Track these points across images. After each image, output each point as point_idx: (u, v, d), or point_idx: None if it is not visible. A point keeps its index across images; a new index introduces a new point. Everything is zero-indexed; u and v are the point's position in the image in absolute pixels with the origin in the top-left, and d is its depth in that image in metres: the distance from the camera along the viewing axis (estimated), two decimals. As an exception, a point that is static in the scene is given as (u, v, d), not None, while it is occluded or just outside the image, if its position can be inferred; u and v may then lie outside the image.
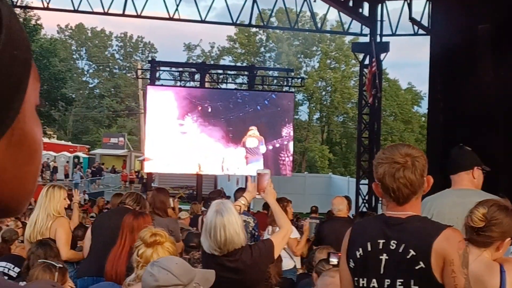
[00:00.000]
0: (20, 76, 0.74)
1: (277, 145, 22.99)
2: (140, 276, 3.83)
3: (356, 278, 3.10)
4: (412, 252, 2.93)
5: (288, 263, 8.19)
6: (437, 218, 3.99)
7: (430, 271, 2.90)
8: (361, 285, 3.07)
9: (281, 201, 8.59)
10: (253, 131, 22.54)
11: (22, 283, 4.24)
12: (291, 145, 23.66)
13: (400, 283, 2.95)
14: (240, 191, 11.33)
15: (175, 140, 21.99)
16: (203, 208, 11.00)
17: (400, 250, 2.97)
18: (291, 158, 23.65)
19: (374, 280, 3.02)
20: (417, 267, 2.92)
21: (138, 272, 3.91)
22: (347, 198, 9.50)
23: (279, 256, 6.82)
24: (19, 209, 0.80)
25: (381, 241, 3.01)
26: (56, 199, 6.37)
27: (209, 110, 22.41)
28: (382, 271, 3.00)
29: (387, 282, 2.98)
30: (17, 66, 0.74)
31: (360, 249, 3.07)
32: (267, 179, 4.97)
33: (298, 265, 8.36)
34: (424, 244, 2.92)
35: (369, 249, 3.04)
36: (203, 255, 4.59)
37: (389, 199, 3.04)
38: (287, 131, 23.32)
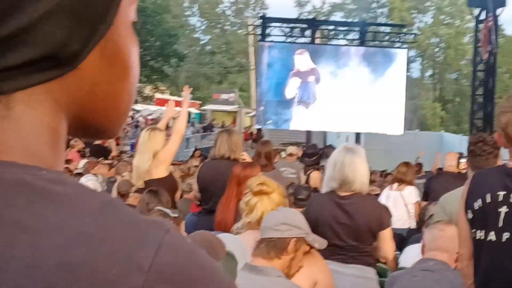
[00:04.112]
0: None
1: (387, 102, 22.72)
2: (246, 224, 3.86)
3: (473, 230, 2.97)
4: None
5: (405, 223, 8.16)
6: None
7: None
8: (478, 237, 2.93)
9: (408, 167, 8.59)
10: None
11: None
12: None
13: None
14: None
15: (286, 96, 22.10)
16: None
17: None
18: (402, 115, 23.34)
19: (492, 233, 2.87)
20: None
21: (244, 219, 3.89)
22: (460, 154, 9.32)
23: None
24: (114, 131, 0.78)
25: (502, 193, 2.85)
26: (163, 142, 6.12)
27: (320, 66, 22.35)
28: (500, 224, 2.84)
29: (505, 235, 2.82)
30: None
31: (479, 200, 2.92)
32: None
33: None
34: None
35: (488, 200, 2.89)
36: (319, 197, 4.69)
37: None
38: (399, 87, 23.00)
